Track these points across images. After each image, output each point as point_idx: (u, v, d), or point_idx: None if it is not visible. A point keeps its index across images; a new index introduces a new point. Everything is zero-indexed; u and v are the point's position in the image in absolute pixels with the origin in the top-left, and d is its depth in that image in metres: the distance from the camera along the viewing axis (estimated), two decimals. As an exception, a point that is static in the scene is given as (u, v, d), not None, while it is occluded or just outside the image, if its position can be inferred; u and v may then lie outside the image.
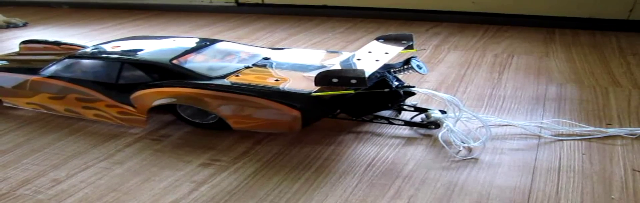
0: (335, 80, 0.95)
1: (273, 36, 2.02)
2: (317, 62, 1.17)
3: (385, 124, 1.15)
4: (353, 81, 0.93)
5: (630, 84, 1.42)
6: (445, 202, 0.85)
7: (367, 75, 0.93)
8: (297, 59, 1.21)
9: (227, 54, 1.22)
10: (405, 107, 1.17)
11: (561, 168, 0.96)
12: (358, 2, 2.35)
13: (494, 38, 1.95)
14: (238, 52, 1.24)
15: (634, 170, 0.95)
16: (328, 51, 1.28)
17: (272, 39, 1.96)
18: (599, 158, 1.00)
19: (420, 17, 2.27)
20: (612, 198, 0.86)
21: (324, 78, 0.96)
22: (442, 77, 1.48)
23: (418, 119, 1.14)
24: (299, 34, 2.04)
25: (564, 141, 1.06)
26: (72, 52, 1.30)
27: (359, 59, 1.05)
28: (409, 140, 1.08)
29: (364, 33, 2.04)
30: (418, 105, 1.17)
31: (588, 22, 2.10)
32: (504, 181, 0.92)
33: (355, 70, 0.93)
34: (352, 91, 0.96)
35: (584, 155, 1.01)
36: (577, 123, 1.14)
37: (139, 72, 1.12)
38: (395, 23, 2.22)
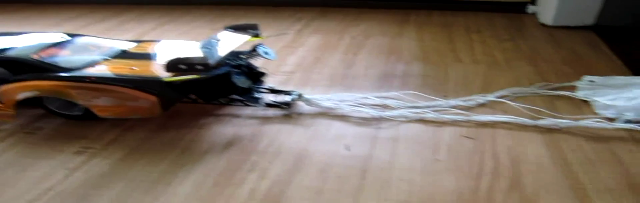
0: (183, 67, 1.04)
1: (142, 26, 2.06)
2: (171, 52, 1.24)
3: (243, 106, 1.25)
4: (199, 67, 1.03)
5: (469, 59, 1.58)
6: (294, 172, 0.97)
7: (211, 61, 1.03)
8: (154, 50, 1.28)
9: (88, 47, 1.27)
10: (262, 89, 1.27)
11: (399, 136, 1.09)
12: (225, -11, 2.40)
13: (354, 21, 2.08)
14: (98, 46, 1.29)
15: (462, 136, 1.10)
16: (182, 41, 1.35)
17: (141, 30, 2.00)
18: (434, 126, 1.14)
19: (286, 3, 2.36)
20: (437, 159, 1.00)
21: (173, 65, 1.05)
22: (300, 60, 1.59)
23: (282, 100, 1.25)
24: (168, 23, 2.09)
25: (404, 113, 1.19)
26: None
27: (206, 47, 1.14)
28: (265, 119, 1.19)
29: (232, 20, 2.11)
30: (275, 88, 1.27)
31: (441, 2, 2.26)
32: (347, 151, 1.04)
33: (201, 57, 1.03)
34: (198, 76, 1.05)
35: (419, 124, 1.14)
36: (422, 95, 1.28)
37: (1, 69, 1.16)
38: (261, 9, 2.30)
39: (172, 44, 1.32)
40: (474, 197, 0.89)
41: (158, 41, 1.35)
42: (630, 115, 1.15)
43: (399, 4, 2.30)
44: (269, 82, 1.34)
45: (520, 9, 2.23)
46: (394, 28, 1.96)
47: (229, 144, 1.08)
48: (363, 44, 1.75)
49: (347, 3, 2.33)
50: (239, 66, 1.18)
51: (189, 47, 1.27)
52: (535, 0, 2.19)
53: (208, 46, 1.15)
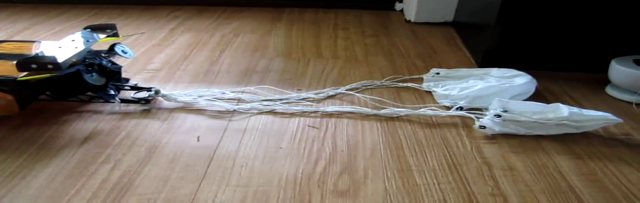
0: (34, 66, 1.09)
1: (15, 26, 2.05)
2: (28, 52, 1.28)
3: (106, 103, 1.30)
4: (50, 66, 1.08)
5: (330, 54, 1.68)
6: (145, 162, 1.04)
7: (60, 60, 1.09)
8: (9, 49, 1.32)
9: None
10: (125, 86, 1.33)
11: (247, 128, 1.18)
12: (102, -11, 2.42)
13: (228, 19, 2.15)
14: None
15: (308, 126, 1.19)
16: (46, 41, 1.39)
17: (14, 29, 2.00)
18: (283, 117, 1.23)
19: (163, 2, 2.40)
20: (281, 147, 1.09)
21: (24, 64, 1.09)
22: (168, 58, 1.65)
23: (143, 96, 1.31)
24: (42, 23, 2.09)
25: (256, 106, 1.27)
26: None
27: (60, 47, 1.20)
28: (124, 115, 1.25)
29: (108, 19, 2.14)
30: (136, 84, 1.34)
31: (314, 0, 2.36)
32: (198, 142, 1.11)
33: (50, 56, 1.08)
34: (49, 75, 1.11)
35: (269, 116, 1.23)
36: (276, 89, 1.37)
37: None
38: (138, 8, 2.33)
39: (34, 44, 1.36)
40: (308, 180, 0.99)
41: (18, 41, 1.38)
42: (462, 103, 1.28)
43: (274, 2, 2.39)
44: (135, 79, 1.41)
45: (389, 6, 2.36)
46: (266, 26, 2.05)
47: (87, 139, 1.13)
48: (232, 41, 1.83)
49: (223, 1, 2.39)
50: (91, 65, 1.23)
51: (49, 47, 1.30)
52: (402, -3, 2.33)
53: (62, 46, 1.20)
